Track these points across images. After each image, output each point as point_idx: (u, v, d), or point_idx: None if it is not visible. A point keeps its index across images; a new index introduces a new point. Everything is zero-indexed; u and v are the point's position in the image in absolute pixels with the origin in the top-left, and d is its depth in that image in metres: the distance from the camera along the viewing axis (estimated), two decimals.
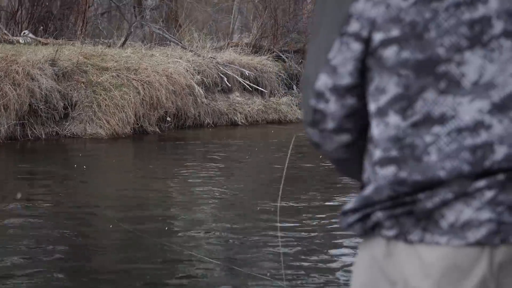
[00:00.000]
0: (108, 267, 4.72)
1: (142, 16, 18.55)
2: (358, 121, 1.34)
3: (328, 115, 1.32)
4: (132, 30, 14.54)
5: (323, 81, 1.30)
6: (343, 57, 1.28)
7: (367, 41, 1.27)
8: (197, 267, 4.69)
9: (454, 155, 1.22)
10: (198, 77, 12.81)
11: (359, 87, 1.30)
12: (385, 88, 1.26)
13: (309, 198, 6.87)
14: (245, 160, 9.66)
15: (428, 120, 1.23)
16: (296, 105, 14.40)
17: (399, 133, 1.25)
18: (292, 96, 14.70)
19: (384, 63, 1.26)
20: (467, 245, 1.22)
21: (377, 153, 1.27)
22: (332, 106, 1.31)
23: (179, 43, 13.87)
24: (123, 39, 14.09)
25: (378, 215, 1.26)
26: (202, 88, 13.00)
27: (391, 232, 1.26)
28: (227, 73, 13.56)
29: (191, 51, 13.66)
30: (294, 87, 15.60)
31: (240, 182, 7.97)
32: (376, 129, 1.28)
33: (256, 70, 14.33)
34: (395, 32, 1.24)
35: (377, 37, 1.25)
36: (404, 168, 1.24)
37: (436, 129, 1.23)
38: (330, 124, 1.33)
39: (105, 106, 10.92)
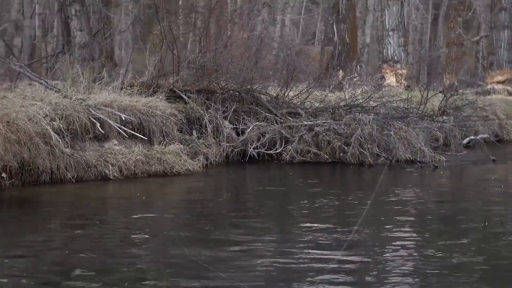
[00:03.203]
0: None
1: (70, 53, 17.27)
2: None
3: None
4: None
5: None
6: None
7: None
8: None
9: None
10: (55, 123, 10.61)
11: None
12: None
13: None
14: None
15: None
16: (187, 154, 12.17)
17: None
18: (183, 144, 12.43)
19: None
20: None
21: None
22: None
23: (43, 82, 11.71)
24: None
25: None
26: (67, 136, 10.83)
27: None
28: (100, 117, 11.39)
29: (57, 91, 11.50)
30: (194, 132, 13.42)
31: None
32: None
33: (141, 113, 12.17)
34: None
35: None
36: None
37: None
38: None
39: None
